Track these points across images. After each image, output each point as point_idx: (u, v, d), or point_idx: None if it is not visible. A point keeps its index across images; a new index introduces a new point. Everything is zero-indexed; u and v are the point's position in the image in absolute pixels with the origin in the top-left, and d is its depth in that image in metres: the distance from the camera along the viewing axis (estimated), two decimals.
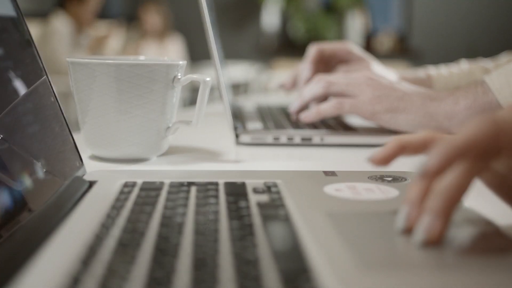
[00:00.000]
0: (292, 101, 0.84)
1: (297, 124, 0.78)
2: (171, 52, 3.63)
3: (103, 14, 3.60)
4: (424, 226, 0.30)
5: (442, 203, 0.30)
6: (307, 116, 0.74)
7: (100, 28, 3.32)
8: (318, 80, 0.75)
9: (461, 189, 0.31)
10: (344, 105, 0.71)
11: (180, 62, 0.59)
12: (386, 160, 0.36)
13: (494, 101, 0.66)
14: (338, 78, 0.74)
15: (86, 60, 0.56)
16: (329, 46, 0.91)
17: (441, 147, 0.31)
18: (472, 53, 1.92)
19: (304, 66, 0.90)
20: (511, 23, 4.56)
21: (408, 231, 0.32)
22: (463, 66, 0.91)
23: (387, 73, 0.88)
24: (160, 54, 3.61)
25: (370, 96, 0.70)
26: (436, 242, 0.30)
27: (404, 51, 4.79)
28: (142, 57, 0.66)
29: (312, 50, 0.91)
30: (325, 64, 0.92)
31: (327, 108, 0.72)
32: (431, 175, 0.31)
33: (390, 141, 0.36)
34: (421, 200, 0.32)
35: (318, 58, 0.90)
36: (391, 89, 0.70)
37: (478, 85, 0.68)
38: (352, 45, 0.93)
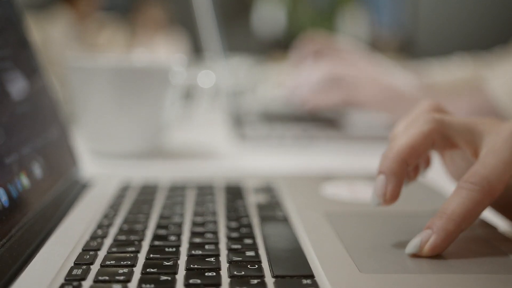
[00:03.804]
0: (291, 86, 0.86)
1: (297, 123, 0.78)
2: (172, 46, 3.62)
3: (105, 6, 3.59)
4: (377, 188, 0.31)
5: (391, 162, 0.30)
6: (313, 103, 0.79)
7: (97, 28, 3.30)
8: (325, 71, 0.77)
9: (414, 145, 0.31)
10: (350, 101, 0.77)
11: (178, 64, 0.60)
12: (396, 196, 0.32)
13: (494, 105, 0.66)
14: (343, 72, 0.77)
15: (85, 64, 0.57)
16: (326, 49, 0.91)
17: (442, 223, 0.29)
18: (475, 47, 1.92)
19: (306, 65, 0.91)
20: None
21: (383, 204, 0.31)
22: (461, 74, 0.91)
23: (390, 73, 0.89)
24: (161, 48, 3.60)
25: (374, 95, 0.75)
26: (387, 202, 0.31)
27: (408, 47, 4.77)
28: (142, 55, 0.67)
29: (308, 50, 0.91)
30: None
31: (334, 101, 0.77)
32: (430, 253, 0.29)
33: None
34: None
35: (315, 56, 0.91)
36: (391, 89, 0.74)
37: (478, 90, 0.69)
38: (348, 47, 0.93)
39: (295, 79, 0.87)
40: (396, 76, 0.86)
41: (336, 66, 0.79)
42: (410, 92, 0.75)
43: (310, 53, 0.90)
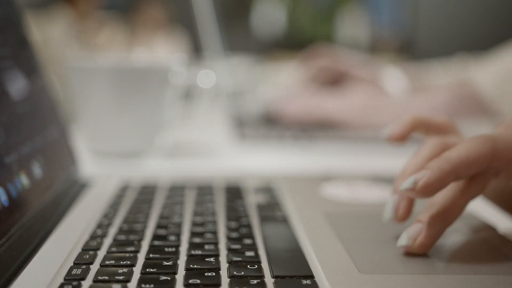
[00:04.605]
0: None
1: (297, 123, 0.78)
2: (172, 46, 3.62)
3: (105, 5, 3.58)
4: (412, 233, 0.29)
5: (437, 222, 0.30)
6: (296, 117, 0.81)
7: (97, 27, 3.29)
8: (307, 101, 0.80)
9: (456, 212, 0.30)
10: (328, 115, 0.78)
11: (178, 63, 0.60)
12: (403, 137, 0.35)
13: (474, 93, 0.67)
14: (325, 102, 0.80)
15: (85, 64, 0.57)
16: (329, 66, 0.92)
17: (437, 163, 0.29)
18: (475, 48, 1.92)
19: (307, 84, 0.92)
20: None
21: (395, 220, 0.32)
22: (461, 75, 0.91)
23: (390, 87, 0.89)
24: (161, 48, 3.60)
25: (349, 108, 0.77)
26: (418, 251, 0.29)
27: (408, 48, 4.75)
28: (142, 55, 0.67)
29: (313, 68, 0.92)
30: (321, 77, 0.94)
31: (314, 117, 0.79)
32: (422, 189, 0.29)
33: (405, 117, 0.35)
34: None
35: (318, 76, 0.92)
36: (365, 102, 0.77)
37: (463, 82, 0.70)
38: (350, 62, 0.93)
39: (285, 95, 0.89)
40: (389, 83, 0.87)
41: (319, 96, 0.81)
42: (385, 99, 0.77)
43: (316, 69, 0.91)
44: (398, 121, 0.35)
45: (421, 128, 0.35)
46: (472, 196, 0.30)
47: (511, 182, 0.33)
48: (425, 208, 0.30)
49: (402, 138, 0.35)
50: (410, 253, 0.30)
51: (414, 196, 0.30)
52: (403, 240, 0.30)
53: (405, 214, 0.32)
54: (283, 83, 1.07)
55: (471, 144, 0.29)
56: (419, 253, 0.29)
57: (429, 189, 0.29)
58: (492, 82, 0.67)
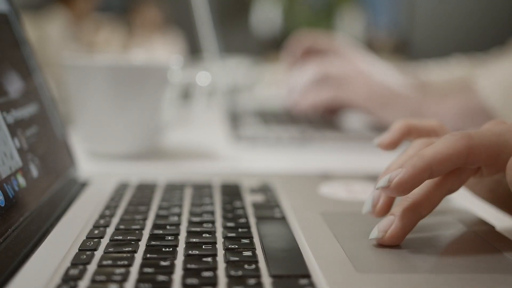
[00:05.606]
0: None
1: (293, 123, 0.78)
2: (170, 47, 3.62)
3: (102, 6, 3.58)
4: (383, 225, 0.30)
5: (408, 214, 0.30)
6: (303, 104, 0.80)
7: (94, 28, 3.29)
8: (315, 71, 0.77)
9: (428, 205, 0.31)
10: (339, 98, 0.77)
11: (174, 64, 0.60)
12: (394, 144, 0.36)
13: (484, 104, 0.67)
14: (333, 71, 0.76)
15: (82, 63, 0.57)
16: (317, 45, 0.91)
17: (412, 160, 0.29)
18: (471, 49, 1.92)
19: (297, 67, 0.91)
20: (507, 18, 4.54)
21: (373, 214, 0.33)
22: (458, 73, 0.91)
23: (383, 70, 0.89)
24: (159, 49, 3.60)
25: (364, 92, 0.74)
26: (390, 243, 0.30)
27: (404, 48, 4.76)
28: (139, 56, 0.67)
29: (299, 48, 0.91)
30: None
31: (323, 99, 0.77)
32: (396, 187, 0.29)
33: (396, 124, 0.36)
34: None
35: (306, 54, 0.91)
36: (382, 87, 0.74)
37: (468, 89, 0.69)
38: (342, 42, 0.92)
39: (288, 83, 0.87)
40: (388, 74, 0.85)
41: (325, 64, 0.79)
42: (401, 90, 0.75)
43: (300, 52, 0.90)
44: (389, 129, 0.36)
45: (412, 133, 0.36)
46: (447, 191, 0.31)
47: (496, 177, 0.34)
48: (399, 202, 0.31)
49: (392, 146, 0.36)
50: (383, 245, 0.30)
51: (390, 194, 0.30)
52: (374, 233, 0.30)
53: (382, 209, 0.33)
54: (281, 82, 1.07)
55: (446, 141, 0.29)
56: (390, 244, 0.30)
57: (404, 187, 0.29)
58: (497, 91, 0.67)
